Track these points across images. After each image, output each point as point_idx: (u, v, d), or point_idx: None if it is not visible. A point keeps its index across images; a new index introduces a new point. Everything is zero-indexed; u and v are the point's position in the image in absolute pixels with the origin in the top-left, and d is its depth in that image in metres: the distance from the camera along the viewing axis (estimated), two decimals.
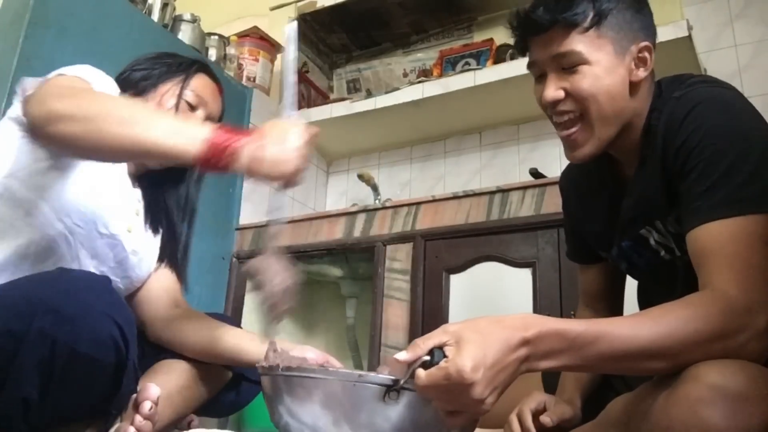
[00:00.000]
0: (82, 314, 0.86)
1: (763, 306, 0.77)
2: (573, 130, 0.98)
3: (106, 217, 1.12)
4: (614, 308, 1.22)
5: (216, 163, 0.87)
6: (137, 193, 1.25)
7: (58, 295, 0.86)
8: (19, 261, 1.02)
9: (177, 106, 1.20)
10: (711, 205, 0.85)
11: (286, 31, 1.06)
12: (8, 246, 1.01)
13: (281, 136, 0.89)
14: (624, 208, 1.04)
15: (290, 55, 1.04)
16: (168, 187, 1.30)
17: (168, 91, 1.21)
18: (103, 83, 1.10)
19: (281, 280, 0.93)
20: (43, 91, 0.96)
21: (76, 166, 1.07)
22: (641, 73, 0.98)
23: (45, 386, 0.85)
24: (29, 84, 1.03)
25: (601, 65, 0.95)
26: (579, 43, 0.94)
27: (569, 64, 0.96)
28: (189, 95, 1.22)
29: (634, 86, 0.98)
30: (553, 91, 0.97)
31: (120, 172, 1.19)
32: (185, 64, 1.26)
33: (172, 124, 0.91)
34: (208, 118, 1.26)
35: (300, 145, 0.89)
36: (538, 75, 1.02)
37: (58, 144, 0.94)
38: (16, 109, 1.06)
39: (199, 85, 1.25)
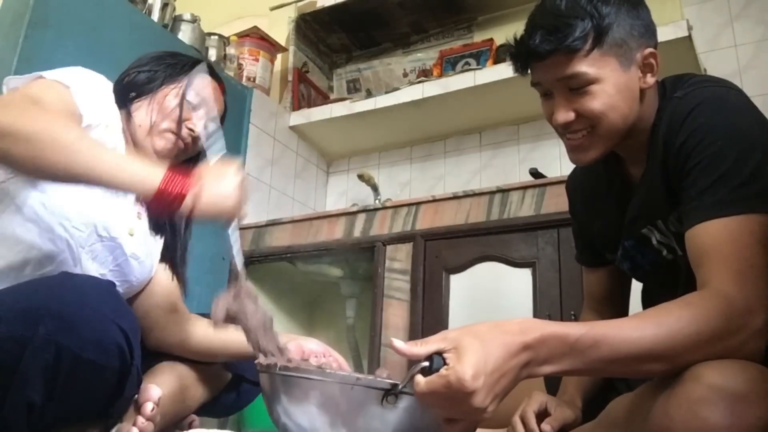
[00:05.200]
0: (87, 320, 0.86)
1: (761, 306, 0.77)
2: (580, 138, 0.98)
3: (106, 220, 1.11)
4: (619, 312, 1.19)
5: (163, 207, 0.89)
6: None
7: (63, 301, 0.86)
8: (21, 266, 1.01)
9: (180, 107, 1.20)
10: (711, 203, 0.85)
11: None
12: (9, 251, 1.00)
13: (218, 176, 0.94)
14: (630, 208, 1.04)
15: None
16: None
17: (170, 92, 1.21)
18: (89, 86, 1.09)
19: (258, 320, 0.93)
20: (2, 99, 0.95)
21: None
22: (650, 79, 0.97)
23: (49, 391, 0.85)
24: (12, 84, 1.04)
25: (610, 82, 0.93)
26: (583, 65, 0.92)
27: (577, 85, 0.94)
28: (191, 95, 1.23)
29: (642, 92, 0.97)
30: (564, 114, 0.96)
31: None
32: (187, 64, 1.26)
33: (118, 161, 0.90)
34: (210, 117, 1.26)
35: (237, 182, 0.94)
36: (543, 93, 1.00)
37: None
38: None
39: (201, 84, 1.26)
